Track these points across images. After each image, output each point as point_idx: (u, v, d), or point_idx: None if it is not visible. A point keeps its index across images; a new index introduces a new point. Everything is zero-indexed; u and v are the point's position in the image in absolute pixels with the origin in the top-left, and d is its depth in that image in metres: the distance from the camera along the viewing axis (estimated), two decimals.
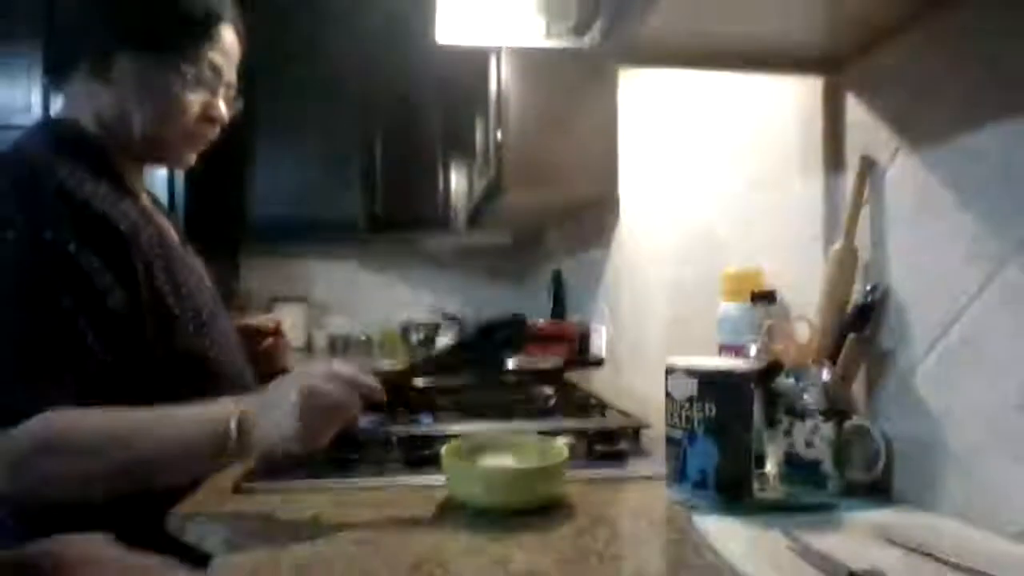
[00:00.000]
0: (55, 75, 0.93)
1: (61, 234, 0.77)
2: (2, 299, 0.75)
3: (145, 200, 0.99)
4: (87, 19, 0.90)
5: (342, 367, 0.74)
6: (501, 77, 1.81)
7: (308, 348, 3.18)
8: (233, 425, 0.71)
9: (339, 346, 3.23)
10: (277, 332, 1.04)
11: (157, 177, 2.40)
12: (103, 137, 0.91)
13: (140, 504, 0.77)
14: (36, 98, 2.68)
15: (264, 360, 1.12)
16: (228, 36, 0.95)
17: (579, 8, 0.83)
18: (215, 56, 0.92)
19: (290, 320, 2.78)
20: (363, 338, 3.27)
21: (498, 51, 1.82)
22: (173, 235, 1.01)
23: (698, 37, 0.80)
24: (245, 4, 1.00)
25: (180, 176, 2.61)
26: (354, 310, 3.37)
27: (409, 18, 2.70)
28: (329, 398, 0.72)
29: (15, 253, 0.75)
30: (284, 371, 0.97)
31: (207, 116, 0.94)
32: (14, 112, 2.64)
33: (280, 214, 3.06)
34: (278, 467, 0.86)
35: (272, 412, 0.72)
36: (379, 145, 3.11)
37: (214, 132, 0.97)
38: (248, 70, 1.02)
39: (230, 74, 0.97)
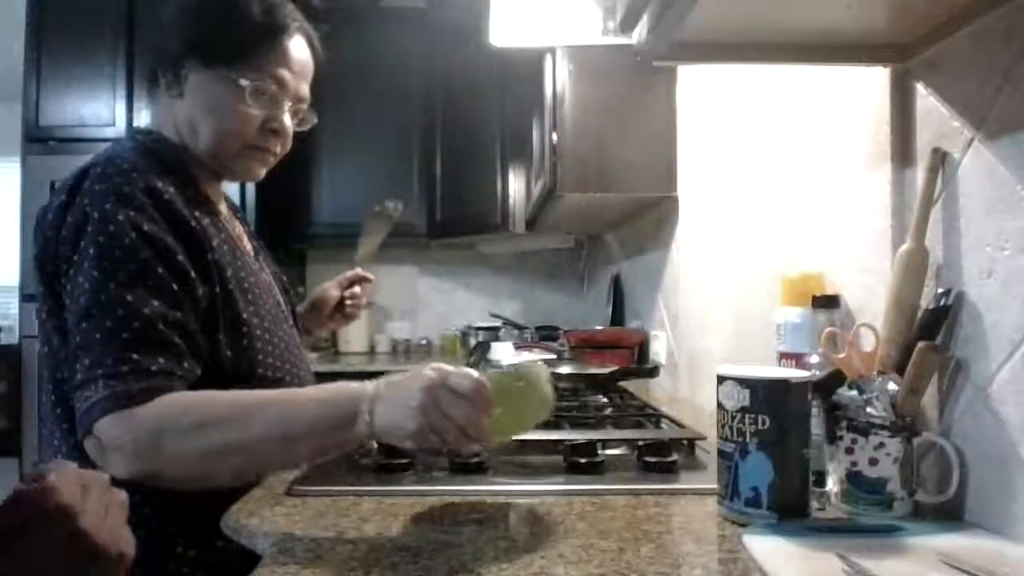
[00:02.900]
0: (147, 90, 0.98)
1: (158, 227, 0.82)
2: (117, 285, 0.79)
3: (223, 209, 1.02)
4: (163, 37, 0.94)
5: (472, 383, 0.71)
6: (556, 79, 1.79)
7: (371, 352, 3.24)
8: (365, 407, 0.72)
9: (400, 350, 3.28)
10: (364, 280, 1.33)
11: (228, 186, 2.50)
12: (180, 149, 0.94)
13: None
14: (121, 112, 2.85)
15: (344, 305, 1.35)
16: (297, 50, 0.94)
17: (627, 3, 0.80)
18: (280, 70, 0.92)
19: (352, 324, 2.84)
20: (423, 343, 3.31)
21: (553, 52, 1.81)
22: (247, 244, 1.05)
23: (748, 30, 0.77)
24: (311, 13, 1.01)
25: (249, 185, 2.72)
26: (415, 315, 3.42)
27: (470, 25, 2.72)
28: (451, 408, 0.70)
29: (121, 244, 0.80)
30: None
31: (270, 129, 0.94)
32: (100, 126, 2.82)
33: (343, 221, 3.13)
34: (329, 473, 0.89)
35: (397, 402, 0.71)
36: (439, 151, 3.15)
37: (279, 145, 0.97)
38: (313, 83, 1.01)
39: (300, 88, 0.96)
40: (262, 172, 1.00)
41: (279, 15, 0.93)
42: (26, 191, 2.72)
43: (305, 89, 0.98)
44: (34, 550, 0.51)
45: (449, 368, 0.72)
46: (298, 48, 0.95)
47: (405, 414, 0.70)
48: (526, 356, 2.11)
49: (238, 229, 1.04)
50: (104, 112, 2.84)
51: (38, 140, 2.82)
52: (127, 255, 0.80)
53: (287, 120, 0.95)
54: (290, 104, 0.95)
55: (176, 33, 0.93)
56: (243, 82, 0.90)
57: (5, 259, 3.09)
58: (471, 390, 0.69)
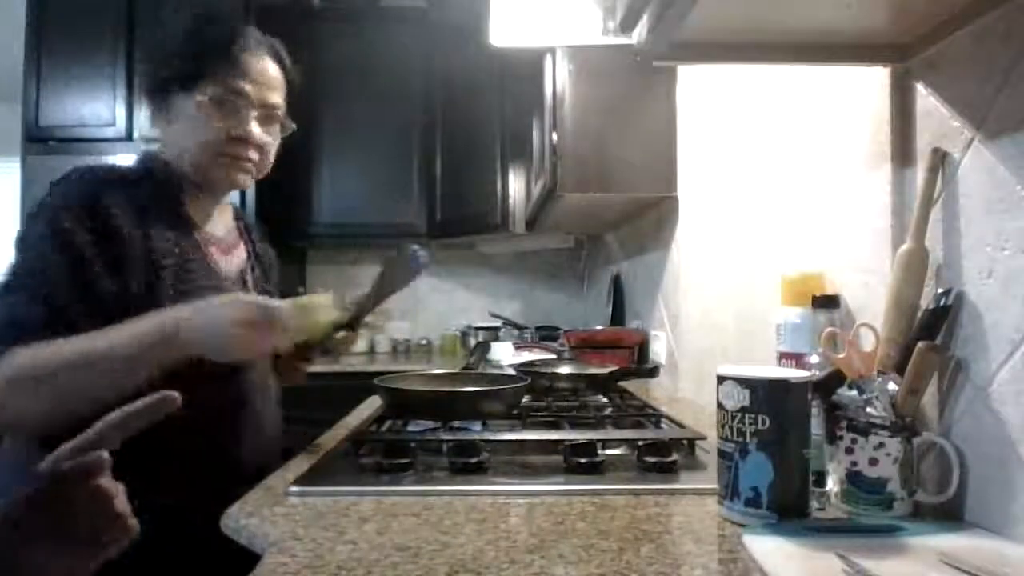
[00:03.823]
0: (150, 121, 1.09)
1: (75, 226, 0.91)
2: (22, 268, 0.91)
3: (206, 226, 1.08)
4: (148, 75, 1.07)
5: (291, 324, 0.90)
6: (556, 79, 1.79)
7: (371, 352, 3.24)
8: (176, 321, 0.85)
9: (400, 351, 3.28)
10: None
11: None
12: (171, 170, 1.03)
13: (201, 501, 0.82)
14: (121, 112, 2.84)
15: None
16: (253, 63, 1.03)
17: (627, 3, 0.80)
18: (237, 82, 1.01)
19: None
20: (423, 343, 3.31)
21: (553, 52, 1.81)
22: (224, 257, 1.09)
23: (748, 30, 0.77)
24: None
25: (250, 189, 2.72)
26: (415, 315, 3.41)
27: (470, 25, 2.72)
28: (277, 339, 0.89)
29: (37, 236, 0.92)
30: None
31: (235, 137, 1.02)
32: (100, 126, 2.82)
33: (343, 221, 3.14)
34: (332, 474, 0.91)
35: (219, 331, 0.85)
36: (439, 151, 3.15)
37: (251, 152, 1.04)
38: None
39: (265, 97, 1.04)
40: (244, 181, 1.06)
41: (228, 32, 1.02)
42: (26, 191, 2.72)
43: (274, 98, 1.05)
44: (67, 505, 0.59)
45: (271, 305, 0.88)
46: (255, 60, 1.03)
47: (225, 343, 0.86)
48: (526, 356, 2.11)
49: (213, 245, 1.08)
50: (104, 112, 2.84)
51: (38, 140, 2.82)
52: (38, 241, 0.91)
53: (253, 128, 1.03)
54: (255, 113, 1.03)
55: (153, 70, 1.05)
56: (201, 97, 0.99)
57: (5, 259, 3.09)
58: (293, 328, 0.91)
